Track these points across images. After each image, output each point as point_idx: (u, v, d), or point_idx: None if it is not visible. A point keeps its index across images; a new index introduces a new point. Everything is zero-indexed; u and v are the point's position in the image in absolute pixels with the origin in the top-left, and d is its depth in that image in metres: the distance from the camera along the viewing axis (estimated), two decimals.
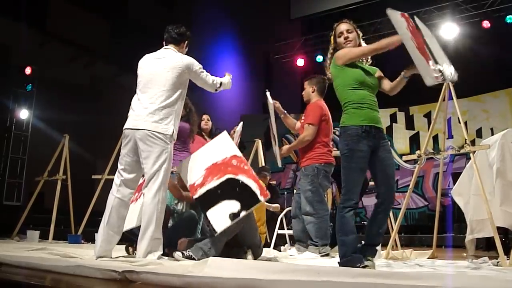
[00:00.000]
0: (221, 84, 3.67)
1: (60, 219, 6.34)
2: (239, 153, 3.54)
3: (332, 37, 3.37)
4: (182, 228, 3.84)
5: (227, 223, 3.22)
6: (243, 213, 3.22)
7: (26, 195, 8.66)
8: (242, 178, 3.37)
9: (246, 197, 3.29)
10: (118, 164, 3.48)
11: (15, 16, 8.52)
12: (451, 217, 7.27)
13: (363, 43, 3.38)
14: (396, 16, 3.11)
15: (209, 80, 3.62)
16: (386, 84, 3.32)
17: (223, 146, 3.60)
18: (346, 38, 3.27)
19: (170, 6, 11.83)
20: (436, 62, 3.00)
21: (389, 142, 3.21)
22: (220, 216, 3.25)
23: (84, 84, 10.38)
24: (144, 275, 2.07)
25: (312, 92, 4.73)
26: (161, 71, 3.45)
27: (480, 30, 9.25)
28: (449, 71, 3.04)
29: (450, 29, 9.39)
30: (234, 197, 3.30)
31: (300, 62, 11.17)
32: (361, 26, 10.05)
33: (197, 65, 3.58)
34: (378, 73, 3.34)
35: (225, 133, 3.77)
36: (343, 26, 3.34)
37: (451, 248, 6.05)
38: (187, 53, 3.70)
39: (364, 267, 2.82)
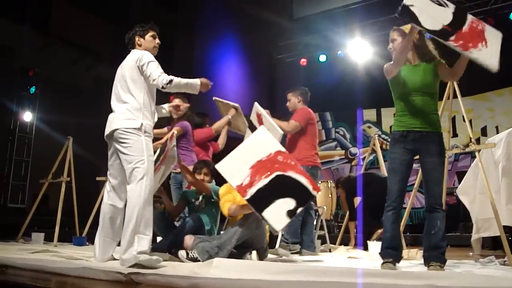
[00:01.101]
0: (170, 82, 3.38)
1: (65, 221, 6.34)
2: (282, 148, 3.47)
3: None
4: (190, 230, 3.82)
5: (286, 220, 3.21)
6: (299, 210, 3.22)
7: (30, 198, 8.68)
8: (292, 174, 3.35)
9: (299, 193, 3.29)
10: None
11: (19, 18, 8.54)
12: (456, 216, 7.23)
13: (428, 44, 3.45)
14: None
15: (155, 74, 3.44)
16: (446, 73, 3.40)
17: (264, 142, 3.49)
18: (390, 48, 3.54)
19: (172, 7, 11.84)
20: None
21: (437, 146, 3.23)
22: (278, 214, 3.21)
23: (87, 86, 10.40)
24: (150, 276, 2.06)
25: (298, 102, 4.85)
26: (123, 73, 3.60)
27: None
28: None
29: None
30: (287, 195, 3.26)
31: (303, 62, 11.16)
32: (363, 25, 10.12)
33: (145, 56, 3.51)
34: (431, 66, 3.38)
35: (263, 128, 3.70)
36: (392, 35, 3.58)
37: (456, 247, 6.02)
38: (163, 44, 3.80)
39: (384, 263, 3.13)
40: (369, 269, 2.87)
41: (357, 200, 6.26)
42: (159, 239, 4.27)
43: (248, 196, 3.30)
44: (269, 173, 3.33)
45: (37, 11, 8.78)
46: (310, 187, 3.29)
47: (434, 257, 3.10)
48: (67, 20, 9.57)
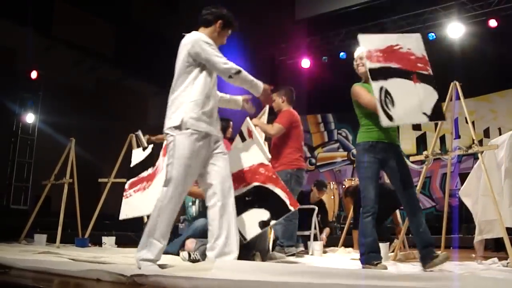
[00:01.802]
0: (239, 72, 3.14)
1: (67, 223, 6.34)
2: (266, 162, 3.49)
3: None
4: (199, 235, 3.84)
5: (257, 231, 3.20)
6: (272, 222, 3.22)
7: (33, 199, 8.69)
8: (271, 187, 3.35)
9: (276, 206, 3.28)
10: None
11: (21, 20, 8.56)
12: (458, 217, 7.22)
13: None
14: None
15: (220, 62, 3.13)
16: None
17: (250, 153, 3.55)
18: (358, 64, 3.71)
19: (174, 9, 11.85)
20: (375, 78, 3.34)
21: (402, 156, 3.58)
22: (250, 223, 3.23)
23: (90, 88, 10.42)
24: (152, 278, 2.06)
25: (282, 102, 4.85)
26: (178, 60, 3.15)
27: (487, 29, 9.20)
28: None
29: (456, 29, 9.35)
30: (263, 206, 3.28)
31: (306, 63, 11.15)
32: (366, 26, 10.11)
33: (204, 42, 3.15)
34: None
35: (250, 141, 3.72)
36: (356, 53, 3.76)
37: (459, 249, 6.01)
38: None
39: (377, 264, 3.27)
40: (371, 271, 2.86)
41: None
42: None
43: None
44: (247, 183, 3.36)
45: (39, 12, 8.79)
46: (287, 202, 3.28)
47: (428, 253, 3.32)
48: (69, 21, 9.59)
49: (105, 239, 6.26)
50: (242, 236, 3.23)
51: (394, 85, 3.34)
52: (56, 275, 2.57)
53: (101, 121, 9.22)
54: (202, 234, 3.84)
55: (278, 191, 3.33)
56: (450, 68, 8.91)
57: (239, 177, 3.42)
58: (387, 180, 5.92)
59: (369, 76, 3.33)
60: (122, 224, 6.78)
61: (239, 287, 1.88)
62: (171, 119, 3.01)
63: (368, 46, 3.42)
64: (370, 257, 3.34)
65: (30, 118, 9.41)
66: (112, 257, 3.77)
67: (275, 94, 4.84)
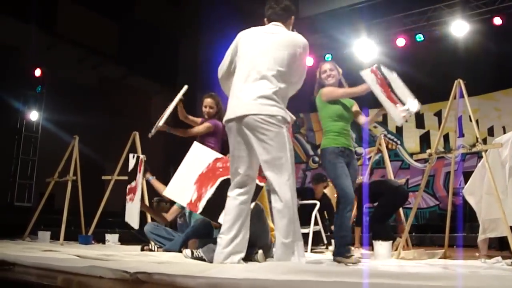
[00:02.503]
0: None
1: (71, 220, 6.37)
2: (219, 155, 3.58)
3: (317, 73, 4.11)
4: (200, 230, 3.85)
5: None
6: (252, 205, 3.22)
7: (36, 196, 8.72)
8: None
9: None
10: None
11: (25, 18, 8.58)
12: (462, 216, 7.20)
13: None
14: (367, 76, 3.85)
15: (304, 75, 3.17)
16: (361, 119, 4.14)
17: (200, 155, 3.62)
18: (329, 75, 4.03)
19: (178, 6, 11.85)
20: (402, 103, 3.76)
21: (356, 160, 4.02)
22: None
23: (93, 85, 10.44)
24: (156, 275, 2.07)
25: None
26: (274, 48, 3.01)
27: (491, 27, 9.16)
28: (414, 105, 3.83)
29: (460, 27, 9.31)
30: None
31: (309, 61, 11.14)
32: (369, 24, 10.09)
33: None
34: (355, 107, 4.13)
35: (195, 143, 3.86)
36: (326, 66, 4.09)
37: (463, 248, 6.00)
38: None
39: (350, 256, 3.57)
40: (374, 269, 2.86)
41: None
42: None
43: (200, 210, 3.43)
44: (213, 182, 3.39)
45: (42, 10, 8.81)
46: (256, 181, 3.30)
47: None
48: (73, 19, 9.61)
49: (108, 236, 6.28)
50: None
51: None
52: (59, 272, 2.57)
53: (105, 119, 9.24)
54: (203, 231, 3.86)
55: None
56: (454, 66, 8.89)
57: (202, 182, 3.46)
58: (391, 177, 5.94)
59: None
60: (125, 221, 6.80)
61: (243, 285, 1.88)
62: (281, 110, 2.92)
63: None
64: (346, 250, 3.62)
65: (34, 115, 9.45)
66: (115, 254, 3.77)
67: None
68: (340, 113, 3.97)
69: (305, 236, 5.41)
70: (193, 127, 4.78)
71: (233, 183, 2.98)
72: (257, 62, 2.96)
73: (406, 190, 5.74)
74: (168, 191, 3.60)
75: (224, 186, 3.36)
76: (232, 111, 2.95)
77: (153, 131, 4.52)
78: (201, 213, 3.42)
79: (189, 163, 3.64)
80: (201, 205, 3.39)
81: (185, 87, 4.46)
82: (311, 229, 5.21)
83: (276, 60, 2.95)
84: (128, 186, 4.61)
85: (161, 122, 4.48)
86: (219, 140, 4.72)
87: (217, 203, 3.33)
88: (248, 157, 2.93)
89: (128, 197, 4.56)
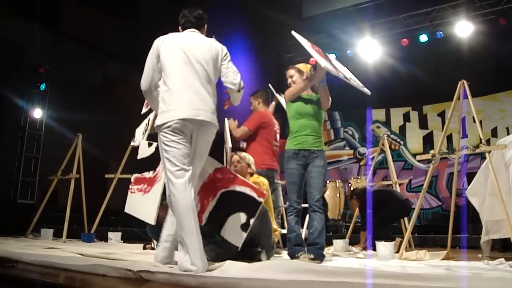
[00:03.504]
0: (243, 88, 3.23)
1: (73, 218, 6.36)
2: (219, 165, 3.55)
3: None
4: (202, 228, 3.85)
5: (243, 235, 3.20)
6: (252, 221, 3.22)
7: (39, 194, 8.73)
8: (234, 187, 3.38)
9: (246, 204, 3.29)
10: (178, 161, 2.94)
11: (29, 16, 8.59)
12: (465, 217, 7.19)
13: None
14: (298, 37, 3.96)
15: (236, 73, 3.20)
16: (321, 102, 4.06)
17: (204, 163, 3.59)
18: (290, 83, 4.12)
19: (181, 5, 11.83)
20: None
21: (318, 159, 3.90)
22: (234, 231, 3.24)
23: (97, 83, 10.44)
24: (159, 274, 2.07)
25: (258, 104, 5.02)
26: (200, 57, 3.08)
27: (496, 28, 9.13)
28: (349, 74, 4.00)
29: (464, 27, 9.29)
30: (236, 209, 3.28)
31: (312, 61, 11.12)
32: (373, 24, 10.07)
33: (228, 54, 3.23)
34: (318, 97, 4.07)
35: None
36: (288, 72, 4.19)
37: (465, 249, 5.98)
38: None
39: (301, 255, 3.63)
40: (377, 269, 2.86)
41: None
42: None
43: (204, 222, 3.38)
44: (213, 195, 3.39)
45: (47, 9, 8.82)
46: (254, 195, 3.28)
47: (310, 251, 3.69)
48: (77, 17, 9.62)
49: (111, 234, 6.29)
50: (234, 246, 3.23)
51: (342, 70, 3.98)
52: (62, 269, 2.58)
53: (108, 117, 9.23)
54: (206, 232, 3.85)
55: (241, 189, 3.35)
56: (458, 66, 8.88)
57: (204, 193, 3.44)
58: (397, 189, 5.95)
59: (331, 72, 3.80)
60: (128, 219, 6.81)
61: (245, 285, 1.88)
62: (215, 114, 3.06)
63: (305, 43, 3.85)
64: (295, 250, 3.73)
65: (37, 113, 9.46)
66: (118, 252, 3.78)
67: (251, 97, 5.05)
68: (299, 110, 3.96)
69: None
70: None
71: None
72: (190, 70, 3.03)
73: (410, 205, 5.74)
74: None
75: (223, 199, 3.37)
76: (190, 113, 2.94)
77: (137, 139, 4.46)
78: (205, 225, 3.40)
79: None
80: (205, 217, 3.39)
81: None
82: (303, 231, 5.19)
83: (204, 67, 3.06)
84: (137, 176, 4.38)
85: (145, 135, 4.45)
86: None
87: (218, 216, 3.33)
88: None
89: (136, 187, 4.24)
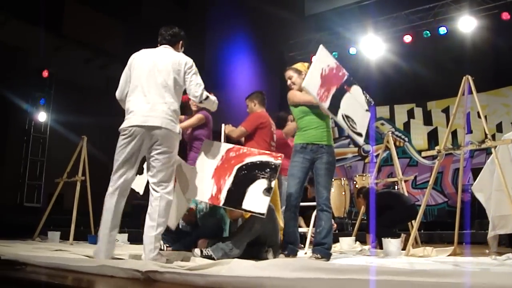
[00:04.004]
0: (207, 98, 3.43)
1: (80, 220, 6.39)
2: (230, 145, 3.63)
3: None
4: (209, 229, 3.86)
5: (266, 200, 3.22)
6: (273, 183, 3.26)
7: (45, 197, 8.78)
8: (249, 159, 3.44)
9: (264, 170, 3.33)
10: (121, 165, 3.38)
11: (32, 20, 8.64)
12: (471, 213, 7.16)
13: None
14: (322, 51, 3.87)
15: (199, 86, 3.42)
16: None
17: (212, 150, 3.64)
18: (290, 84, 4.12)
19: (184, 5, 11.87)
20: (336, 112, 3.74)
21: (326, 155, 3.86)
22: (256, 199, 3.25)
23: (100, 85, 10.48)
24: (167, 275, 2.07)
25: (254, 105, 5.01)
26: (162, 68, 3.36)
27: (499, 22, 9.09)
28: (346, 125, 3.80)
29: (467, 22, 9.25)
30: (255, 178, 3.32)
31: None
32: (376, 21, 10.05)
33: (194, 66, 3.48)
34: None
35: (206, 140, 3.90)
36: (287, 73, 4.16)
37: (472, 245, 5.96)
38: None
39: (290, 255, 3.68)
40: (385, 266, 2.86)
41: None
42: None
43: (222, 202, 3.40)
44: (229, 172, 3.41)
45: (49, 12, 8.86)
46: (271, 160, 3.33)
47: (317, 250, 3.68)
48: (79, 20, 9.66)
49: (117, 236, 6.30)
50: (259, 214, 3.22)
51: (345, 106, 3.80)
52: (70, 271, 2.59)
53: (112, 119, 9.24)
54: (212, 231, 3.87)
55: (257, 158, 3.41)
56: (462, 62, 8.84)
57: (219, 174, 3.47)
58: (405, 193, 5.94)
59: (331, 115, 3.75)
60: (134, 221, 6.82)
61: (253, 283, 1.88)
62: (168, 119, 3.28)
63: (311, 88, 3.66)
64: (287, 248, 3.73)
65: (42, 116, 9.50)
66: (125, 254, 3.79)
67: (247, 100, 5.05)
68: (303, 109, 3.96)
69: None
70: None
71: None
72: (151, 81, 3.33)
73: (417, 210, 5.72)
74: (189, 193, 3.60)
75: (240, 173, 3.40)
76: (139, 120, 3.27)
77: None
78: (224, 205, 3.42)
79: (203, 161, 3.65)
80: (222, 196, 3.38)
81: None
82: (309, 230, 5.19)
83: (165, 77, 3.33)
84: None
85: None
86: (210, 131, 4.73)
87: (237, 191, 3.34)
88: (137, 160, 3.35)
89: None
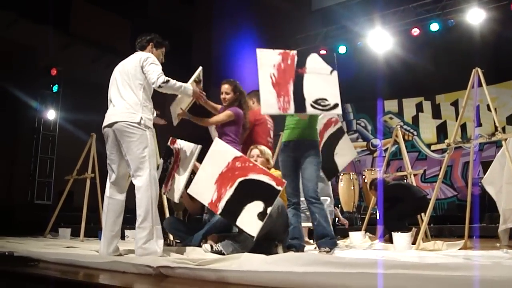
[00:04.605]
0: (167, 81, 3.58)
1: (90, 217, 6.44)
2: (238, 153, 3.56)
3: None
4: (219, 224, 3.87)
5: (259, 224, 3.19)
6: (269, 209, 3.21)
7: (56, 194, 8.85)
8: (253, 176, 3.37)
9: (264, 192, 3.27)
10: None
11: (41, 19, 8.68)
12: (480, 206, 7.12)
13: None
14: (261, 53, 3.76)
15: (154, 72, 3.59)
16: None
17: (220, 153, 3.59)
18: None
19: (189, 2, 11.86)
20: (303, 108, 3.63)
21: (307, 150, 3.88)
22: (250, 220, 3.22)
23: (108, 83, 10.52)
24: (179, 270, 2.09)
25: (253, 103, 5.02)
26: (124, 71, 3.73)
27: (509, 14, 8.99)
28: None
29: (476, 14, 9.16)
30: (254, 198, 3.26)
31: (323, 53, 11.06)
32: (383, 15, 9.98)
33: (151, 58, 3.67)
34: None
35: (216, 139, 3.82)
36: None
37: (482, 239, 5.93)
38: (166, 58, 3.96)
39: (287, 251, 3.65)
40: (395, 260, 2.85)
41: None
42: None
43: (220, 211, 3.39)
44: (231, 183, 3.38)
45: (57, 11, 8.90)
46: (273, 183, 3.27)
47: (323, 244, 3.70)
48: (86, 18, 9.69)
49: (127, 232, 6.34)
50: (249, 235, 3.22)
51: (308, 91, 3.67)
52: (83, 267, 2.62)
53: None
54: (223, 227, 3.87)
55: (260, 177, 3.34)
56: (470, 55, 8.75)
57: (222, 181, 3.45)
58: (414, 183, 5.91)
59: (301, 115, 3.80)
60: None
61: (265, 278, 1.89)
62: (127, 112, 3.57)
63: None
64: (291, 244, 3.72)
65: (51, 114, 9.57)
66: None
67: (247, 97, 4.94)
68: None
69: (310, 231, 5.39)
70: (214, 115, 4.61)
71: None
72: (116, 85, 3.77)
73: (428, 201, 5.69)
74: (192, 190, 3.60)
75: (241, 188, 3.37)
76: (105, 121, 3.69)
77: (175, 120, 4.44)
78: (220, 214, 3.41)
79: (211, 161, 3.61)
80: (221, 206, 3.36)
81: (200, 68, 4.28)
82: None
83: (125, 78, 3.70)
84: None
85: (182, 106, 4.32)
86: (240, 129, 4.54)
87: (235, 205, 3.32)
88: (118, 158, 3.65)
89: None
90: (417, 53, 9.95)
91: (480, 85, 4.36)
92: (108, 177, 3.72)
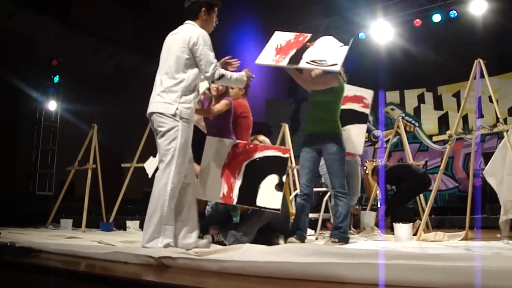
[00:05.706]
0: (222, 76, 3.23)
1: (92, 208, 6.46)
2: (235, 141, 3.57)
3: None
4: (220, 216, 3.88)
5: (279, 195, 3.22)
6: (284, 178, 3.26)
7: (57, 185, 8.87)
8: (257, 154, 3.40)
9: (274, 165, 3.32)
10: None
11: (41, 9, 8.64)
12: (482, 198, 7.11)
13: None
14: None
15: (208, 64, 3.20)
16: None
17: (217, 148, 3.57)
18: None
19: None
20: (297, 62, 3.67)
21: (330, 145, 3.89)
22: (269, 195, 3.24)
23: (110, 74, 10.50)
24: (180, 260, 2.09)
25: (242, 94, 4.82)
26: (174, 48, 3.26)
27: (511, 4, 8.93)
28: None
29: (478, 5, 9.09)
30: (266, 174, 3.30)
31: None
32: (385, 6, 9.91)
33: (202, 40, 3.20)
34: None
35: (208, 137, 3.73)
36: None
37: (483, 230, 5.94)
38: (219, 21, 3.46)
39: (296, 238, 3.69)
40: (396, 251, 2.86)
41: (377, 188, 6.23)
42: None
43: (235, 200, 3.36)
44: (238, 169, 3.37)
45: (58, 1, 8.85)
46: (279, 154, 3.30)
47: (334, 235, 3.83)
48: (87, 9, 9.63)
49: (129, 223, 6.37)
50: (274, 210, 3.23)
51: (309, 55, 3.67)
52: (84, 258, 2.62)
53: (122, 107, 9.29)
54: (219, 218, 3.88)
55: (264, 153, 3.38)
56: (473, 46, 8.71)
57: (228, 172, 3.43)
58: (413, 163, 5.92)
59: (291, 66, 3.76)
60: (145, 208, 6.86)
61: (266, 268, 1.89)
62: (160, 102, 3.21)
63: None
64: (294, 233, 3.76)
65: (52, 105, 9.55)
66: (137, 240, 3.83)
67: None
68: (314, 101, 4.06)
69: (314, 222, 5.40)
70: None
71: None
72: (161, 66, 3.34)
73: (429, 178, 5.71)
74: (199, 193, 3.55)
75: (250, 170, 3.37)
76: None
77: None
78: (237, 203, 3.39)
79: (210, 159, 3.57)
80: (235, 195, 3.34)
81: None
82: (320, 215, 5.18)
83: (169, 61, 3.26)
84: None
85: None
86: (231, 118, 4.44)
87: (249, 188, 3.32)
88: None
89: None
90: (419, 44, 9.90)
91: (482, 76, 4.34)
92: None
